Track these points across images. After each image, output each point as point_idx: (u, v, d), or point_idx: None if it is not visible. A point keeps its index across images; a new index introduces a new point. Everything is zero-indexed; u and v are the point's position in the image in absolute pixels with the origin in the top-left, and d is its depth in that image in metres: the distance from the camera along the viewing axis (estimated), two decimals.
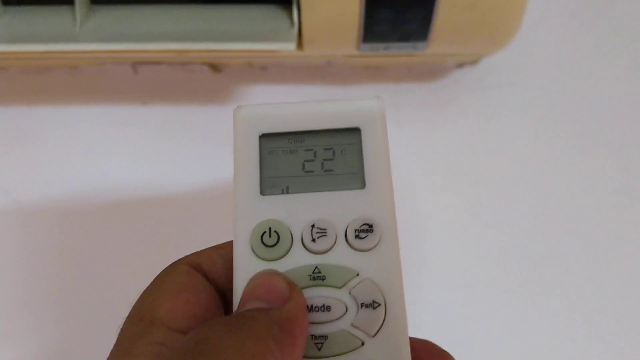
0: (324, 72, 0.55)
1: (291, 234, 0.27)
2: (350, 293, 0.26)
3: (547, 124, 0.54)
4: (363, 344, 0.25)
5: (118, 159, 0.53)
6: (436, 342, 0.28)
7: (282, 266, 0.26)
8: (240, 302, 0.25)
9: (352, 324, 0.25)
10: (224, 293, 0.28)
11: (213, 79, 0.56)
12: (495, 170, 0.53)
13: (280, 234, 0.27)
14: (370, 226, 0.27)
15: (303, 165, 0.28)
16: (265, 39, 0.45)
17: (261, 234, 0.27)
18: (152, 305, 0.26)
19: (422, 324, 0.42)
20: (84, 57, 0.52)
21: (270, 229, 0.27)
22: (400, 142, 0.53)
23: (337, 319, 0.26)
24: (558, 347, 0.48)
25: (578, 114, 0.54)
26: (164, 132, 0.54)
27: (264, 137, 0.29)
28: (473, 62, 0.55)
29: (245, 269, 0.26)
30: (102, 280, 0.49)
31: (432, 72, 0.55)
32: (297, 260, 0.26)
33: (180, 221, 0.51)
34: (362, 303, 0.26)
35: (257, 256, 0.27)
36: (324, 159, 0.28)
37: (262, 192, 0.28)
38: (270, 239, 0.27)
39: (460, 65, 0.55)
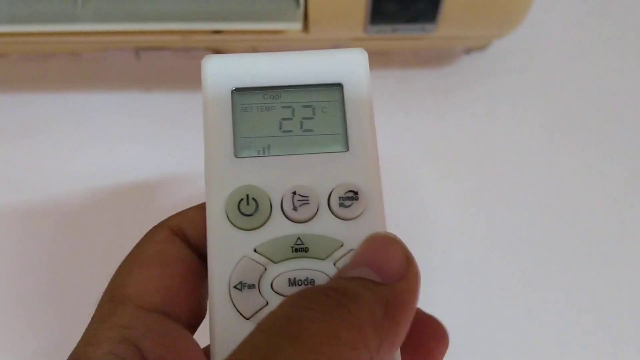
0: None
1: (270, 202, 0.25)
2: (335, 265, 0.24)
3: (557, 111, 0.54)
4: None
5: (121, 146, 0.52)
6: None
7: (261, 236, 0.24)
8: (351, 262, 0.23)
9: None
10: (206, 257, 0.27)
11: None
12: (504, 159, 0.52)
13: (258, 201, 0.25)
14: (356, 193, 0.25)
15: (280, 124, 0.26)
16: (270, 19, 0.44)
17: (238, 201, 0.25)
18: (123, 282, 0.25)
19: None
20: (85, 42, 0.51)
21: (247, 195, 0.25)
22: (407, 129, 0.52)
23: None
24: (563, 335, 0.47)
25: (589, 100, 0.54)
26: (168, 119, 0.53)
27: (237, 91, 0.26)
28: (481, 47, 0.54)
29: (221, 239, 0.25)
30: (100, 271, 0.48)
31: (439, 58, 0.55)
32: (277, 230, 0.25)
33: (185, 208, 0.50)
34: None
35: (234, 225, 0.25)
36: (303, 118, 0.26)
37: (237, 154, 0.25)
38: (248, 206, 0.25)
39: (468, 51, 0.54)
